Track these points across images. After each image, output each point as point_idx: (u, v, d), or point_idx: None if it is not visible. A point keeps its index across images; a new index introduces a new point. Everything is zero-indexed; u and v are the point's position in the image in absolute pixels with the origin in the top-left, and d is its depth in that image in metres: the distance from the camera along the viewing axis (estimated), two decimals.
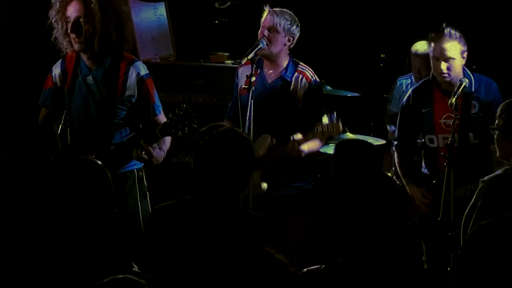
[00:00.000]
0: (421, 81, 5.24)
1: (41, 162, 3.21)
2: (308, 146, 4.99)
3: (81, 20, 4.38)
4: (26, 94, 5.88)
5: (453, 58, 4.90)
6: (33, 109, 4.89)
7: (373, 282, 3.07)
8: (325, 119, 4.97)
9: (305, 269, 3.14)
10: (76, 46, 4.44)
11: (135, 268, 3.38)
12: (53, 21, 4.47)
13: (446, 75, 4.90)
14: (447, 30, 4.89)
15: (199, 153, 3.32)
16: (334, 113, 5.01)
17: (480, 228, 2.90)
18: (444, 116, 4.95)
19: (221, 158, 3.27)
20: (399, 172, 5.19)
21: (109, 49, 4.46)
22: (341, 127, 4.94)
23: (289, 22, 5.07)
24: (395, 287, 3.11)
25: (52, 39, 4.51)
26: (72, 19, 4.40)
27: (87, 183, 3.11)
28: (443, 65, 4.89)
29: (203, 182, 3.30)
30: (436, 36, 4.92)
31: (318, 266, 3.18)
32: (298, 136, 4.95)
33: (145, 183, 4.67)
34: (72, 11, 4.40)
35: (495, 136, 4.07)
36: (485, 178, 3.96)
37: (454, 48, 4.90)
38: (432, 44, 4.94)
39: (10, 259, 2.99)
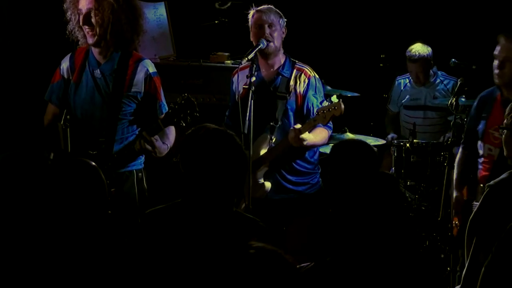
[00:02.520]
0: (492, 88, 4.95)
1: (36, 163, 3.21)
2: (311, 137, 4.98)
3: (92, 12, 4.39)
4: (30, 91, 5.87)
5: (509, 61, 4.73)
6: (37, 106, 4.88)
7: (368, 281, 3.07)
8: (325, 103, 4.98)
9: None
10: (90, 40, 4.44)
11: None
12: (67, 14, 4.48)
13: (496, 76, 4.74)
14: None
15: (186, 155, 3.29)
16: (334, 95, 5.00)
17: None
18: (493, 128, 4.78)
19: (209, 159, 3.20)
20: (455, 169, 5.01)
21: (122, 41, 4.47)
22: (343, 106, 4.86)
23: (279, 16, 5.16)
24: (392, 286, 3.12)
25: (67, 32, 4.52)
26: (84, 12, 4.42)
27: (80, 184, 3.10)
28: (496, 64, 4.74)
29: (193, 184, 3.26)
30: (500, 37, 4.75)
31: (307, 263, 3.17)
32: (298, 125, 4.96)
33: (145, 184, 4.64)
34: (84, 3, 4.42)
35: (503, 135, 4.05)
36: (491, 182, 3.95)
37: None
38: (497, 45, 4.77)
39: (5, 260, 2.98)
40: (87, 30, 4.43)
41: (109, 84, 4.50)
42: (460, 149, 5.05)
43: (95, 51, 4.53)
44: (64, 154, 4.53)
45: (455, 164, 5.03)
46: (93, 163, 3.20)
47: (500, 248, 2.83)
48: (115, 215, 3.39)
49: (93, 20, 4.40)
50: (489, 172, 4.69)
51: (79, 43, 4.53)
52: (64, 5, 4.51)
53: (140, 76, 4.51)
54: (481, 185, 4.74)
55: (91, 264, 3.00)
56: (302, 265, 3.17)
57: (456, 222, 4.88)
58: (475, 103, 4.91)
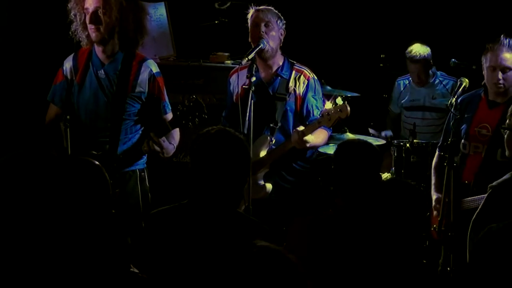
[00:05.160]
0: (474, 91, 5.08)
1: (41, 162, 3.20)
2: (313, 139, 4.99)
3: (99, 11, 4.39)
4: (32, 92, 5.88)
5: (511, 69, 4.82)
6: (39, 106, 4.88)
7: (375, 284, 3.07)
8: (329, 104, 4.97)
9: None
10: (93, 36, 4.42)
11: (133, 269, 3.39)
12: (72, 14, 4.47)
13: (501, 85, 4.82)
14: (506, 41, 4.80)
15: (193, 156, 3.31)
16: (338, 97, 5.01)
17: (491, 231, 2.88)
18: (479, 125, 4.89)
19: (214, 159, 3.23)
20: (432, 172, 5.14)
21: (126, 41, 4.46)
22: (349, 108, 4.88)
23: (277, 17, 5.15)
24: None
25: (70, 32, 4.50)
26: (90, 10, 4.40)
27: (84, 183, 3.10)
28: (500, 75, 4.81)
29: (199, 184, 3.28)
30: (493, 46, 4.83)
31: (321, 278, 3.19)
32: (301, 127, 4.96)
33: (147, 183, 4.66)
34: (90, 2, 4.41)
35: (505, 136, 4.07)
36: (494, 183, 3.96)
37: None
38: (489, 54, 4.84)
39: (6, 260, 2.98)
40: (92, 29, 4.41)
41: (113, 85, 4.51)
42: (437, 153, 5.12)
43: (98, 50, 4.52)
44: (67, 153, 4.53)
45: (433, 168, 5.10)
46: (97, 162, 3.21)
47: (474, 257, 2.84)
48: (118, 215, 3.40)
49: (100, 19, 4.39)
50: (478, 169, 4.74)
51: (82, 44, 4.52)
52: (69, 5, 4.49)
53: (144, 76, 4.52)
54: (466, 181, 4.80)
55: (94, 263, 3.00)
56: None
57: (435, 226, 4.94)
58: (456, 106, 4.94)
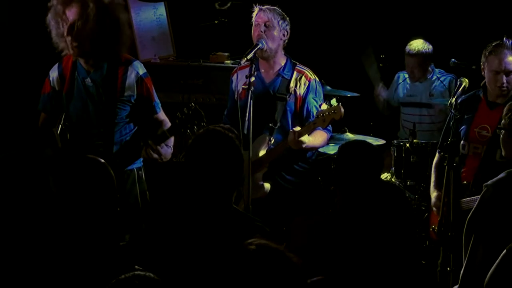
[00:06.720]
0: (473, 91, 5.05)
1: (39, 161, 3.21)
2: (310, 140, 4.99)
3: (77, 24, 4.37)
4: (25, 97, 5.87)
5: None
6: (33, 112, 4.87)
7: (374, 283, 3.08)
8: (324, 106, 4.99)
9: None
10: (72, 52, 4.44)
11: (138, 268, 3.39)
12: (51, 24, 4.46)
13: (505, 88, 4.80)
14: (508, 43, 4.77)
15: (186, 155, 3.34)
16: (333, 98, 5.02)
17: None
18: (479, 126, 4.88)
19: (203, 158, 3.28)
20: (432, 170, 5.13)
21: (104, 54, 4.46)
22: (342, 110, 4.89)
23: (281, 17, 5.12)
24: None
25: (52, 42, 4.49)
26: (69, 22, 4.39)
27: (90, 181, 3.11)
28: (504, 79, 4.78)
29: (192, 183, 3.30)
30: (496, 49, 4.79)
31: (317, 277, 3.19)
32: (297, 128, 4.96)
33: (145, 181, 4.68)
34: (70, 13, 4.39)
35: (501, 136, 4.07)
36: (489, 182, 3.96)
37: None
38: (492, 58, 4.81)
39: (10, 259, 2.99)
40: (70, 41, 4.40)
41: (102, 92, 4.51)
42: (437, 153, 5.12)
43: (81, 60, 4.52)
44: (62, 152, 4.54)
45: (433, 166, 5.10)
46: (102, 160, 3.22)
47: (496, 276, 2.82)
48: (123, 213, 3.42)
49: (76, 31, 4.37)
50: (476, 169, 4.73)
51: (62, 53, 4.50)
52: (48, 15, 4.46)
53: (131, 79, 4.52)
54: (465, 182, 4.79)
55: (101, 261, 3.00)
56: (312, 278, 3.19)
57: (434, 226, 4.93)
58: (455, 107, 4.91)
